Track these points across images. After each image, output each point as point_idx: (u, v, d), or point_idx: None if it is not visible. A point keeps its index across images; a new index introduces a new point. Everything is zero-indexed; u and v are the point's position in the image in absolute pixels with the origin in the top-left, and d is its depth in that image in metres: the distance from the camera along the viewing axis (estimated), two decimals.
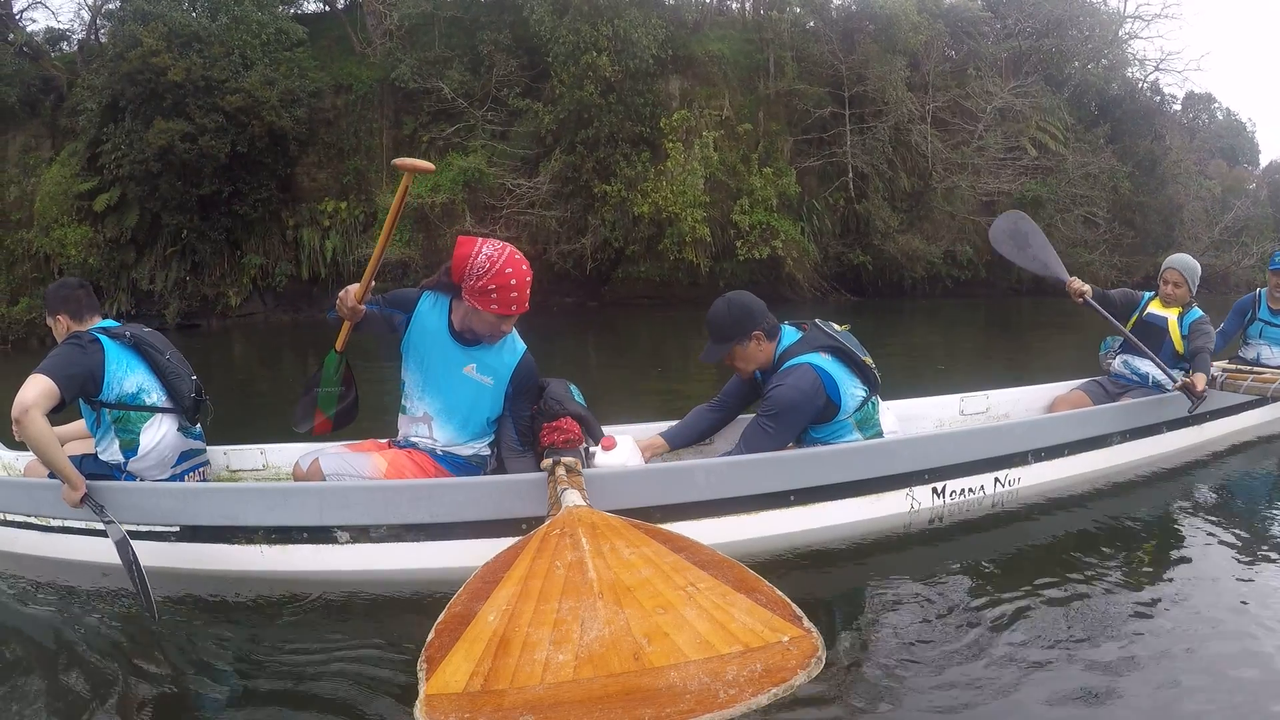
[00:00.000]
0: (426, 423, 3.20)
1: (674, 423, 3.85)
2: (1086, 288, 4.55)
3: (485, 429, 3.24)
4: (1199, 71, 58.67)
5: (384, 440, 3.36)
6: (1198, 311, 4.68)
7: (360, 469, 3.12)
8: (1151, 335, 4.70)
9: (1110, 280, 21.29)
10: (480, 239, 2.97)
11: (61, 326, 3.32)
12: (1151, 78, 27.82)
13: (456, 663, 1.60)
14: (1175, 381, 4.32)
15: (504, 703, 1.49)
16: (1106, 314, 4.58)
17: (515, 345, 3.18)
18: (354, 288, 3.05)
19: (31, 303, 19.67)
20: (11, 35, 21.97)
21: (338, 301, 3.06)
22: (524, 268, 2.93)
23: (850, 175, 21.79)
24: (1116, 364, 4.82)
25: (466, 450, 3.21)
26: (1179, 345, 4.65)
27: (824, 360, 3.27)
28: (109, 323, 3.35)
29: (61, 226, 19.81)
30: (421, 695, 1.51)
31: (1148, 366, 4.61)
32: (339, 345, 3.30)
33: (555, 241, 20.28)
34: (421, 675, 1.57)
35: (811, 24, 22.19)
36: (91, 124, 19.68)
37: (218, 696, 2.42)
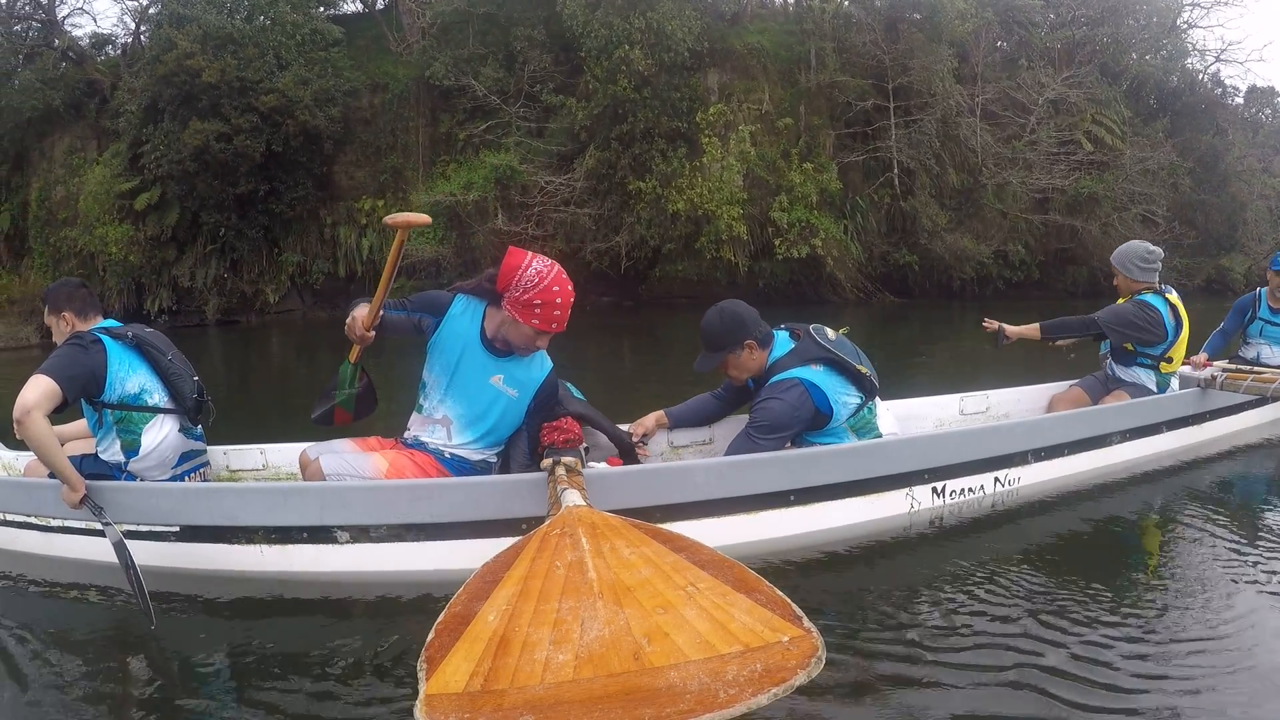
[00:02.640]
0: (445, 426, 3.20)
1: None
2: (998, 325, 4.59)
3: (501, 441, 3.26)
4: (1261, 63, 56.69)
5: (390, 439, 3.37)
6: (1140, 296, 4.53)
7: (361, 469, 3.13)
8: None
9: (1170, 283, 20.34)
10: (531, 253, 3.03)
11: (65, 325, 3.31)
12: (1212, 69, 26.64)
13: (456, 662, 1.60)
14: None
15: (504, 702, 1.49)
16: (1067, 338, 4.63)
17: (544, 361, 3.22)
18: (361, 314, 3.06)
19: None
20: (57, 41, 22.54)
21: (346, 326, 3.10)
22: (569, 289, 3.01)
23: (895, 171, 20.96)
24: (1106, 369, 4.85)
25: (475, 455, 3.22)
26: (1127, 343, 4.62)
27: (814, 373, 3.29)
28: (110, 323, 3.36)
29: (104, 225, 20.26)
30: (421, 695, 1.51)
31: (1132, 374, 4.64)
32: (352, 358, 3.31)
33: (589, 239, 20.00)
34: (421, 675, 1.57)
35: (855, 16, 21.31)
36: (131, 125, 20.21)
37: (217, 696, 2.42)
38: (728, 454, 3.34)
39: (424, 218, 2.96)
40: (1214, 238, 23.21)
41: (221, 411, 3.73)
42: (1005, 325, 4.49)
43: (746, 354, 3.35)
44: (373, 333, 3.09)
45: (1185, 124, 24.06)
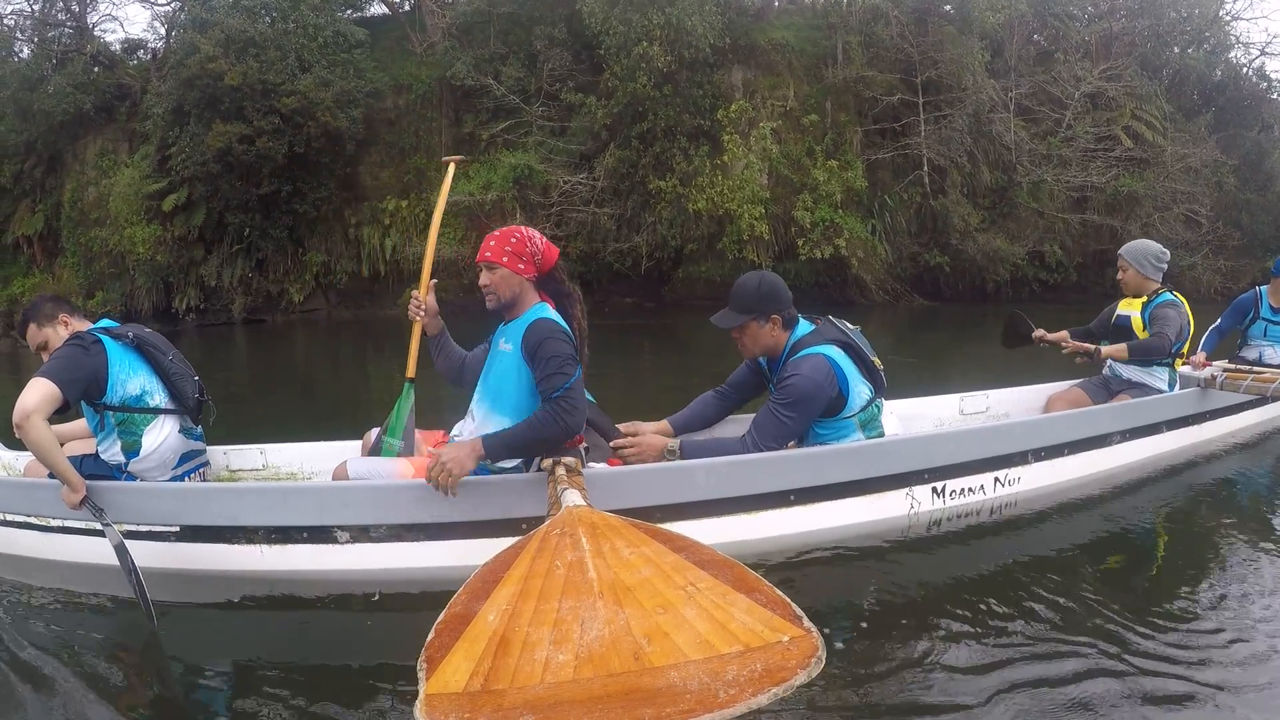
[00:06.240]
0: (471, 412, 3.19)
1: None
2: (1058, 335, 4.78)
3: (517, 403, 3.05)
4: None
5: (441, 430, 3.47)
6: (1164, 297, 4.59)
7: (388, 474, 3.15)
8: (1122, 338, 4.67)
9: (1215, 286, 19.67)
10: None
11: (64, 328, 3.30)
12: (1256, 63, 25.30)
13: (456, 662, 1.61)
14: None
15: (504, 702, 1.49)
16: (1083, 345, 4.68)
17: (534, 313, 3.06)
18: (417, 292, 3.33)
19: (107, 296, 20.92)
20: (88, 46, 22.96)
21: (410, 310, 3.34)
22: (501, 230, 3.10)
23: (925, 168, 20.30)
24: (1105, 370, 4.89)
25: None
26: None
27: (836, 353, 3.28)
28: (108, 323, 3.36)
29: (133, 225, 20.55)
30: (421, 695, 1.51)
31: (1130, 372, 4.67)
32: (410, 368, 3.41)
33: (610, 240, 19.81)
34: (421, 675, 1.58)
35: (882, 8, 20.53)
36: (158, 128, 20.53)
37: (216, 697, 2.43)
38: (750, 430, 3.29)
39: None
40: (1260, 239, 21.88)
41: (244, 410, 3.76)
42: (1101, 347, 4.49)
43: (770, 327, 3.32)
44: (432, 299, 3.34)
45: (1229, 120, 22.97)
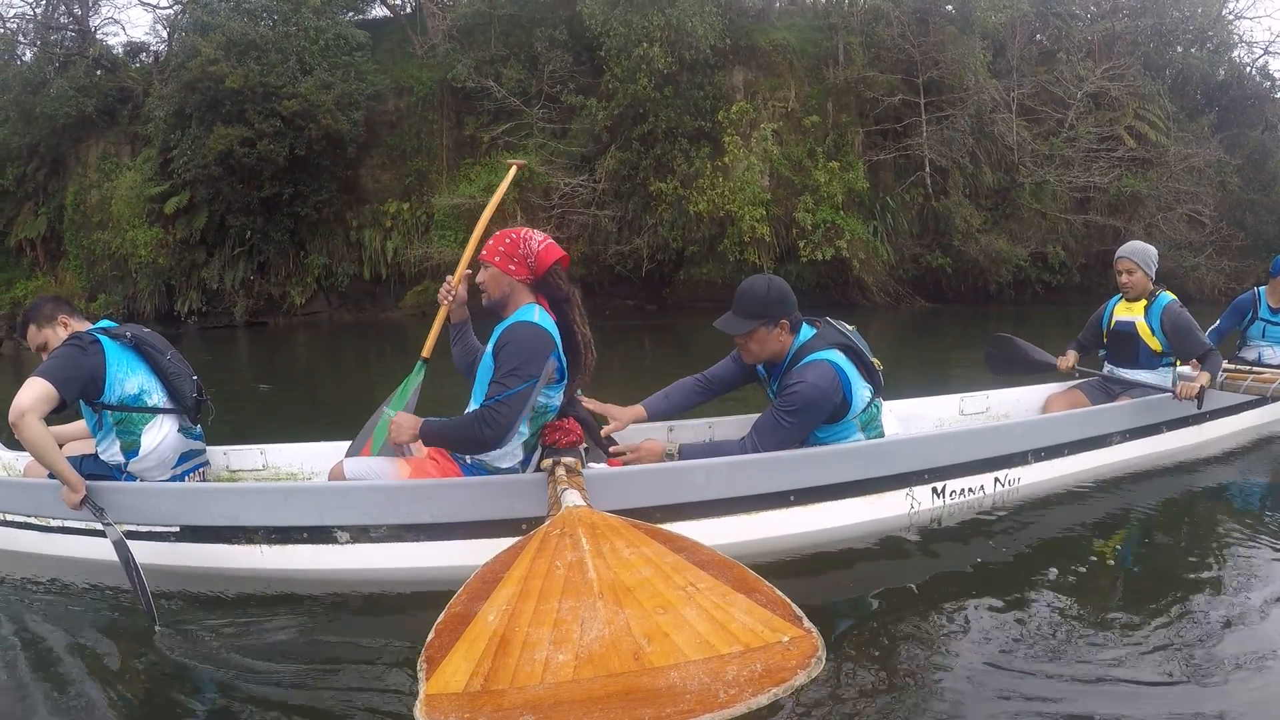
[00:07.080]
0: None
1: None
2: (1072, 359, 4.88)
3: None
4: None
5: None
6: (1165, 297, 4.56)
7: (383, 474, 3.15)
8: (1125, 345, 4.67)
9: (1219, 286, 19.56)
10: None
11: (63, 328, 3.31)
12: (1260, 61, 25.29)
13: (456, 662, 1.60)
14: (1174, 391, 4.34)
15: (504, 702, 1.49)
16: (1094, 372, 4.84)
17: (519, 315, 3.01)
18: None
19: (109, 299, 20.99)
20: (90, 49, 23.02)
21: (440, 293, 3.38)
22: (500, 230, 3.11)
23: (927, 169, 20.24)
24: (1105, 370, 4.88)
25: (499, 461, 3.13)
26: (1154, 344, 4.56)
27: (839, 358, 3.24)
28: (107, 323, 3.35)
29: (134, 228, 20.62)
30: (421, 695, 1.51)
31: (1131, 373, 4.66)
32: (427, 348, 3.49)
33: (611, 242, 19.78)
34: (421, 675, 1.58)
35: (884, 9, 20.47)
36: (160, 131, 20.59)
37: (217, 697, 2.43)
38: (750, 434, 3.26)
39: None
40: (1264, 240, 21.69)
41: (245, 411, 3.76)
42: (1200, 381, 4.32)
43: (778, 332, 3.26)
44: (463, 288, 3.34)
45: (1232, 119, 22.88)
